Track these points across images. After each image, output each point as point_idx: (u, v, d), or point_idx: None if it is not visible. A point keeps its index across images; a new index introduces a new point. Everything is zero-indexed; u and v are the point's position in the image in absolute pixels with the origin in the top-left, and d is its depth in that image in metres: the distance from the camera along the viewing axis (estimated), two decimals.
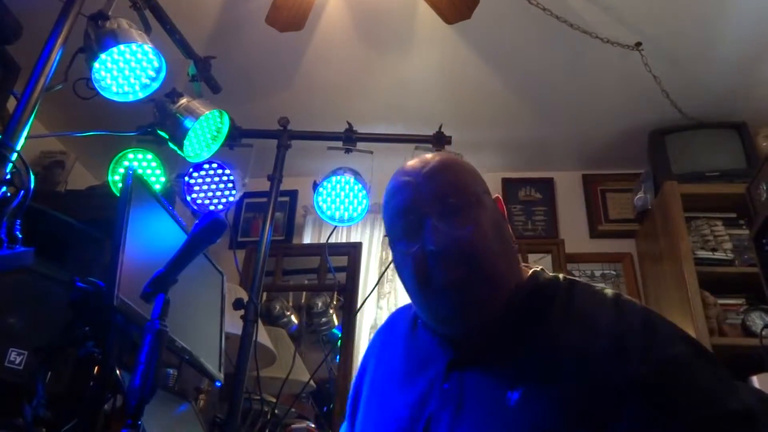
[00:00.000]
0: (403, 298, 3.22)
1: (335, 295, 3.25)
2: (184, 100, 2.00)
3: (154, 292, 1.05)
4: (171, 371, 2.18)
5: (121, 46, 1.75)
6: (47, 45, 1.51)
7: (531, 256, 3.25)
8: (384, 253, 3.37)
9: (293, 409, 2.52)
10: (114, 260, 1.28)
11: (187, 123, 1.96)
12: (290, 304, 3.30)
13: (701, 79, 2.87)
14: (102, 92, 1.78)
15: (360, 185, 2.32)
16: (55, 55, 1.51)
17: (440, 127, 2.34)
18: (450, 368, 0.88)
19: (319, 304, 3.25)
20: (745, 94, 2.94)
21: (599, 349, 0.77)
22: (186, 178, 2.29)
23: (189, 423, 1.98)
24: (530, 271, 0.96)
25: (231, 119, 2.16)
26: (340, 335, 3.12)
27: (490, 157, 3.50)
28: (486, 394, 0.81)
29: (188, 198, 2.28)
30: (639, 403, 0.72)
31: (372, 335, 3.10)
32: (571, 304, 0.87)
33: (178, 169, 2.34)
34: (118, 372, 1.30)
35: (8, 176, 1.28)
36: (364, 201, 2.33)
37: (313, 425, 2.53)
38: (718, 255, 2.74)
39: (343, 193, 2.34)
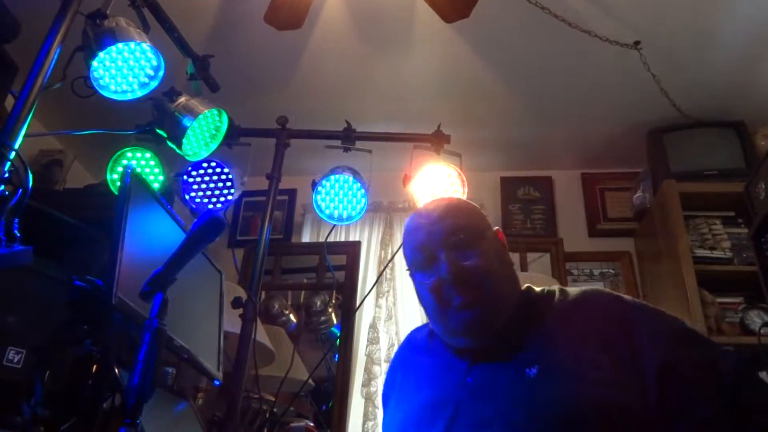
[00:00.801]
0: (401, 298, 3.22)
1: (334, 294, 3.25)
2: (182, 99, 1.99)
3: (153, 290, 1.05)
4: (170, 370, 2.17)
5: (120, 45, 1.75)
6: (45, 43, 1.51)
7: (530, 255, 3.25)
8: (383, 252, 3.37)
9: (292, 408, 2.52)
10: (113, 259, 1.28)
11: (186, 122, 1.96)
12: (289, 302, 3.30)
13: (700, 78, 2.87)
14: (100, 91, 1.78)
15: (359, 184, 2.32)
16: (54, 54, 1.51)
17: (439, 126, 2.34)
18: (470, 368, 1.04)
19: (318, 303, 3.25)
20: (743, 93, 2.94)
21: (593, 329, 0.98)
22: (185, 177, 2.28)
23: (187, 422, 1.98)
24: (524, 287, 1.13)
25: (230, 118, 2.16)
26: (338, 334, 3.13)
27: (489, 155, 3.50)
28: (506, 377, 0.98)
29: (187, 197, 2.27)
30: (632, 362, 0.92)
31: (370, 333, 3.10)
32: (563, 303, 1.06)
33: (177, 167, 2.34)
34: (116, 371, 1.30)
35: (6, 175, 1.28)
36: (363, 200, 2.33)
37: (311, 424, 2.53)
38: (717, 254, 2.74)
39: (341, 192, 2.34)
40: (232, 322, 2.03)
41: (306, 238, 3.52)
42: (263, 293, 3.13)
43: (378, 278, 3.19)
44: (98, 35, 1.73)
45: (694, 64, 2.79)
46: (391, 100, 3.10)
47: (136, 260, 1.36)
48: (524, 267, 3.18)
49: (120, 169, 2.18)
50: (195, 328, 1.72)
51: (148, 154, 2.23)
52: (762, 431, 0.87)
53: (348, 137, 2.34)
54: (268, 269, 3.19)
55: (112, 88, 1.80)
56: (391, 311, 3.19)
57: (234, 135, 2.30)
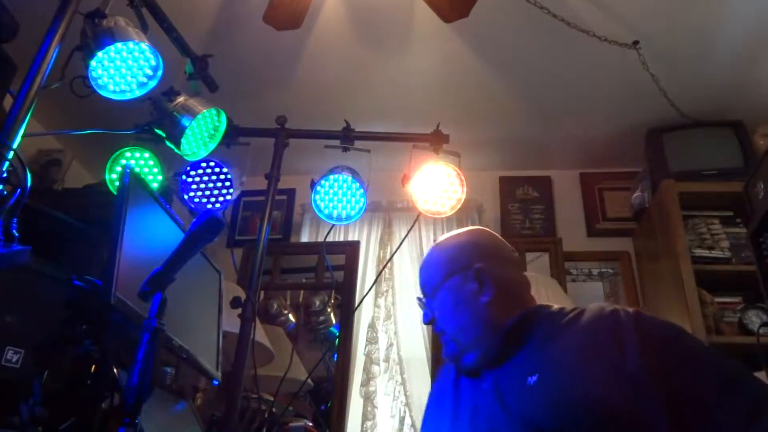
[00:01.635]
0: (400, 297, 3.22)
1: (333, 294, 3.25)
2: (181, 99, 1.99)
3: (152, 290, 1.05)
4: (168, 370, 2.17)
5: (118, 44, 1.74)
6: (44, 43, 1.51)
7: (528, 255, 3.25)
8: (381, 251, 3.37)
9: (291, 408, 2.52)
10: (111, 258, 1.28)
11: (185, 121, 1.96)
12: (288, 302, 3.30)
13: (699, 77, 2.87)
14: (99, 90, 1.77)
15: (357, 183, 2.32)
16: (52, 53, 1.51)
17: (438, 126, 2.34)
18: (486, 376, 1.18)
19: (317, 303, 3.25)
20: (742, 93, 2.95)
21: (588, 339, 1.07)
22: (183, 177, 2.28)
23: (186, 421, 1.98)
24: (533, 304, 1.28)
25: (228, 118, 2.16)
26: (337, 334, 3.13)
27: (488, 155, 3.50)
28: (513, 383, 1.10)
29: (185, 196, 2.27)
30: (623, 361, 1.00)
31: (369, 333, 3.10)
32: (563, 317, 1.16)
33: (176, 167, 2.34)
34: (115, 370, 1.30)
35: (5, 174, 1.28)
36: (362, 199, 2.33)
37: (310, 424, 2.53)
38: (715, 253, 2.75)
39: (340, 192, 2.34)
40: (231, 322, 2.03)
41: (305, 237, 3.52)
42: (262, 293, 3.13)
43: (377, 278, 3.19)
44: (97, 35, 1.72)
45: (692, 63, 2.79)
46: (390, 99, 3.10)
47: (134, 260, 1.36)
48: (523, 267, 3.18)
49: (119, 168, 2.17)
50: (194, 327, 1.72)
51: (146, 154, 2.23)
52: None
53: (347, 137, 2.34)
54: (267, 269, 3.19)
55: (111, 87, 1.80)
56: (390, 311, 3.19)
57: (233, 135, 2.30)
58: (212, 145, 2.16)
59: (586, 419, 0.97)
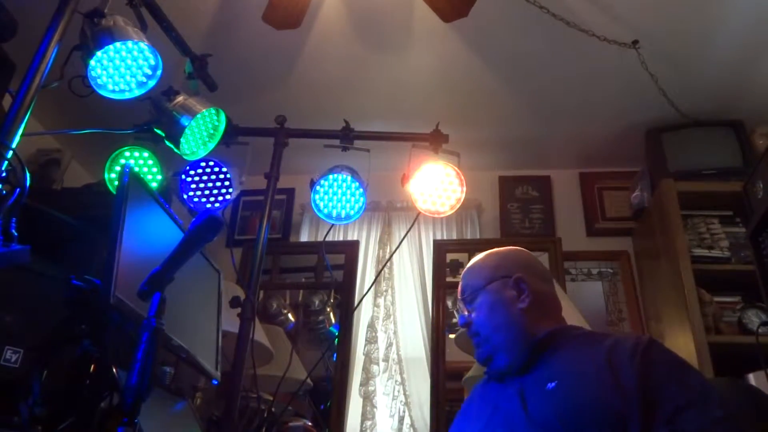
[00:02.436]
0: (400, 297, 3.23)
1: (332, 293, 3.26)
2: (180, 98, 1.99)
3: (151, 290, 1.05)
4: (168, 369, 2.18)
5: (117, 44, 1.74)
6: (43, 42, 1.51)
7: None
8: (381, 251, 3.37)
9: (290, 407, 2.52)
10: (110, 258, 1.28)
11: (184, 121, 1.96)
12: (287, 302, 3.30)
13: (698, 77, 2.87)
14: (98, 90, 1.77)
15: (357, 183, 2.31)
16: (51, 53, 1.51)
17: (437, 125, 2.34)
18: (511, 382, 1.29)
19: (316, 302, 3.25)
20: (741, 93, 2.95)
21: (596, 358, 1.20)
22: (182, 176, 2.28)
23: (186, 421, 1.98)
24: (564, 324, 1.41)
25: (228, 117, 2.16)
26: (337, 333, 3.13)
27: (488, 155, 3.50)
28: (534, 388, 1.22)
29: (185, 196, 2.27)
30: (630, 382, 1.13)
31: (368, 332, 3.10)
32: (586, 339, 1.31)
33: (175, 167, 2.34)
34: (114, 370, 1.30)
35: (4, 174, 1.28)
36: (361, 199, 2.33)
37: (310, 423, 2.53)
38: (715, 253, 2.75)
39: (340, 191, 2.34)
40: (231, 322, 2.03)
41: (304, 237, 3.52)
42: (261, 292, 3.13)
43: (376, 277, 3.19)
44: (96, 34, 1.72)
45: (692, 63, 2.79)
46: (390, 99, 3.10)
47: (134, 259, 1.36)
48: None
49: (118, 168, 2.17)
50: (193, 327, 1.72)
51: (146, 154, 2.23)
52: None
53: (346, 136, 2.34)
54: (267, 268, 3.18)
55: (110, 87, 1.80)
56: (389, 310, 3.19)
57: (232, 134, 2.30)
58: (211, 145, 2.16)
59: (591, 419, 1.10)
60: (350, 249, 3.31)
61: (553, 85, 2.98)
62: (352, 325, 3.11)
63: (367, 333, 3.12)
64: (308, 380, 2.53)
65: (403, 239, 2.73)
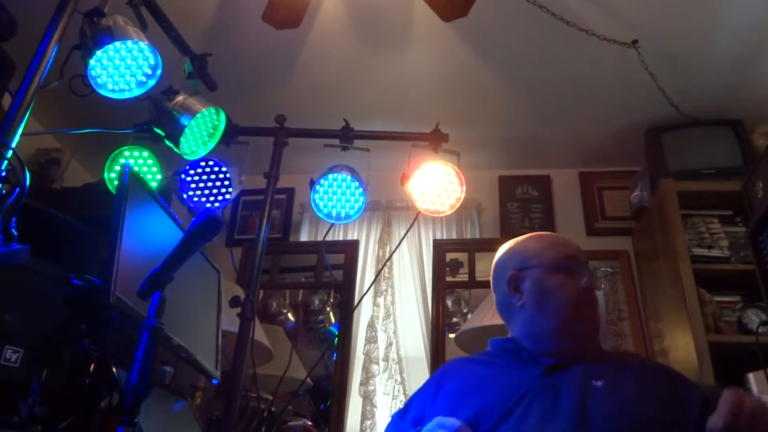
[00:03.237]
0: (399, 296, 3.22)
1: (332, 293, 3.26)
2: (180, 98, 1.99)
3: (151, 289, 1.05)
4: (167, 369, 2.18)
5: (117, 43, 1.74)
6: (43, 42, 1.51)
7: None
8: (381, 250, 3.37)
9: (290, 407, 2.52)
10: (110, 258, 1.28)
11: (184, 120, 1.96)
12: (287, 301, 3.30)
13: (697, 76, 2.87)
14: (98, 89, 1.77)
15: (357, 183, 2.32)
16: (51, 52, 1.51)
17: (437, 125, 2.34)
18: (549, 369, 1.25)
19: (316, 302, 3.25)
20: (741, 92, 2.94)
21: (647, 372, 1.27)
22: (182, 176, 2.28)
23: (185, 421, 1.98)
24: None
25: (227, 116, 2.16)
26: (337, 333, 3.13)
27: (487, 154, 3.50)
28: (576, 383, 1.19)
29: (185, 195, 2.27)
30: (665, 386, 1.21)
31: (368, 332, 3.10)
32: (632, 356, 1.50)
33: (175, 166, 2.34)
34: (114, 369, 1.30)
35: (4, 173, 1.28)
36: (361, 198, 2.33)
37: (309, 423, 2.54)
38: (715, 252, 2.74)
39: (339, 191, 2.34)
40: (230, 321, 2.03)
41: (304, 237, 3.52)
42: (261, 292, 3.13)
43: (376, 277, 3.19)
44: (96, 33, 1.72)
45: (691, 62, 2.79)
46: (389, 98, 3.09)
47: (133, 259, 1.36)
48: None
49: (118, 167, 2.18)
50: (193, 326, 1.72)
51: (145, 153, 2.23)
52: None
53: (346, 136, 2.34)
54: (266, 268, 3.18)
55: (110, 86, 1.80)
56: (389, 310, 3.19)
57: (232, 133, 2.30)
58: (211, 144, 2.16)
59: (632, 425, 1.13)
60: (350, 248, 3.31)
61: (553, 84, 2.97)
62: (352, 325, 3.11)
63: (366, 332, 3.12)
64: (308, 380, 2.53)
65: (402, 239, 2.73)
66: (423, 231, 3.39)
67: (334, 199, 2.34)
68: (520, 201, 3.53)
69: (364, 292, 3.00)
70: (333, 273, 3.19)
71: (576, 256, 1.40)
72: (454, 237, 3.36)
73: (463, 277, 3.23)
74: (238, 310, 1.97)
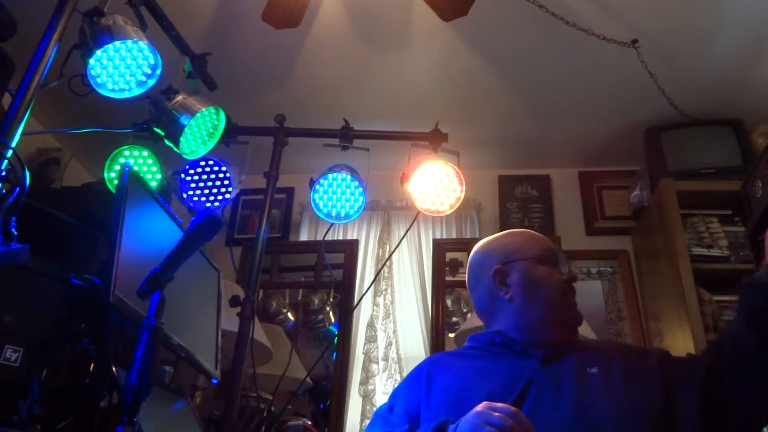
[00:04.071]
0: (399, 296, 3.22)
1: (332, 292, 3.26)
2: (180, 97, 1.99)
3: (151, 289, 1.05)
4: (167, 368, 2.18)
5: (117, 43, 1.74)
6: (42, 41, 1.51)
7: None
8: (380, 250, 3.37)
9: (290, 407, 2.52)
10: (110, 257, 1.29)
11: (183, 120, 1.95)
12: (287, 301, 3.30)
13: (697, 76, 2.87)
14: (98, 89, 1.77)
15: (356, 182, 2.32)
16: (51, 52, 1.51)
17: (437, 124, 2.34)
18: (545, 360, 1.27)
19: (316, 301, 3.25)
20: (740, 92, 2.95)
21: (628, 351, 1.34)
22: (182, 176, 2.28)
23: (185, 420, 1.98)
24: None
25: (227, 116, 2.16)
26: (336, 332, 3.13)
27: (487, 154, 3.50)
28: (573, 371, 1.23)
29: (184, 195, 2.27)
30: (657, 363, 1.25)
31: (367, 331, 3.10)
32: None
33: (174, 166, 2.34)
34: (114, 369, 1.30)
35: (4, 173, 1.28)
36: (361, 198, 2.33)
37: (309, 422, 2.54)
38: (714, 252, 2.75)
39: (339, 191, 2.34)
40: (230, 321, 2.03)
41: (304, 236, 3.52)
42: (261, 291, 3.13)
43: (376, 276, 3.19)
44: (95, 33, 1.72)
45: (691, 62, 2.79)
46: (389, 98, 3.09)
47: (133, 258, 1.36)
48: None
49: (117, 167, 2.17)
50: (193, 326, 1.72)
51: (145, 153, 2.23)
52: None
53: (346, 135, 2.34)
54: (266, 268, 3.19)
55: (110, 86, 1.80)
56: (388, 309, 3.19)
57: (232, 133, 2.30)
58: (211, 144, 2.16)
59: (630, 408, 1.16)
60: (350, 248, 3.31)
61: (553, 84, 2.98)
62: (352, 324, 3.11)
63: (366, 332, 3.12)
64: (308, 379, 2.53)
65: (402, 238, 2.73)
66: (423, 231, 3.39)
67: (334, 198, 2.34)
68: (519, 200, 3.53)
69: (364, 291, 3.00)
70: (333, 272, 3.19)
71: (554, 248, 1.45)
72: (454, 237, 3.37)
73: (462, 276, 3.20)
74: (238, 309, 1.97)
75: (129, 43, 1.77)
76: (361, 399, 2.96)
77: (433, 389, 1.31)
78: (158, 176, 2.24)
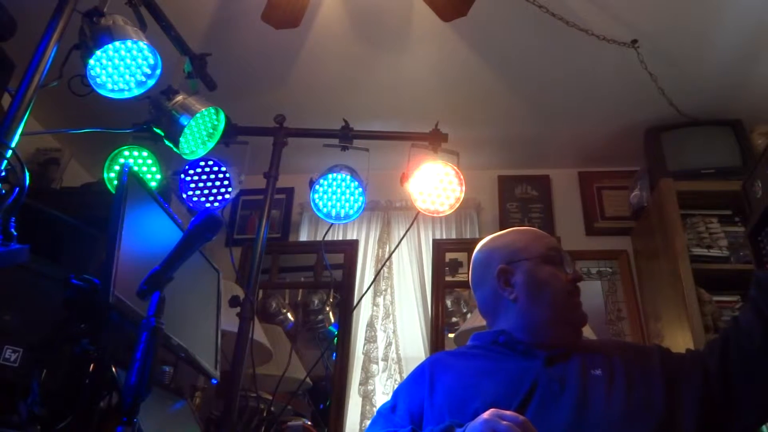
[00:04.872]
0: (399, 296, 3.22)
1: (331, 293, 3.25)
2: (179, 97, 1.99)
3: (150, 289, 1.05)
4: (167, 368, 2.18)
5: (117, 43, 1.74)
6: (42, 42, 1.51)
7: None
8: (380, 250, 3.37)
9: (289, 407, 2.52)
10: (110, 257, 1.28)
11: (183, 120, 1.95)
12: (286, 301, 3.30)
13: (697, 76, 2.87)
14: (97, 89, 1.77)
15: (356, 182, 2.32)
16: (50, 52, 1.51)
17: (436, 125, 2.34)
18: (549, 361, 1.26)
19: (316, 302, 3.25)
20: (740, 92, 2.95)
21: (629, 350, 1.33)
22: (182, 176, 2.28)
23: (185, 420, 1.98)
24: None
25: (227, 116, 2.16)
26: (336, 332, 3.13)
27: (487, 154, 3.50)
28: (578, 372, 1.22)
29: (184, 195, 2.27)
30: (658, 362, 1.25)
31: (367, 332, 3.10)
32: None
33: (174, 166, 2.34)
34: (113, 369, 1.30)
35: (3, 173, 1.28)
36: (361, 198, 2.33)
37: (309, 423, 2.53)
38: (714, 252, 2.75)
39: (339, 191, 2.34)
40: (230, 321, 2.03)
41: (303, 236, 3.52)
42: (261, 292, 3.13)
43: (375, 277, 3.19)
44: (95, 33, 1.72)
45: (691, 62, 2.79)
46: (389, 98, 3.09)
47: (133, 259, 1.36)
48: None
49: (117, 167, 2.17)
50: (192, 326, 1.72)
51: (145, 153, 2.23)
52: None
53: (345, 136, 2.34)
54: (266, 268, 3.19)
55: (109, 86, 1.80)
56: (388, 309, 3.19)
57: (231, 133, 2.30)
58: (211, 144, 2.16)
59: (635, 409, 1.15)
60: (349, 248, 3.31)
61: (552, 84, 2.98)
62: (352, 325, 3.11)
63: (366, 332, 3.12)
64: (307, 379, 2.53)
65: (402, 238, 2.73)
66: (422, 231, 3.39)
67: (334, 198, 2.34)
68: (519, 201, 3.53)
69: (364, 291, 3.00)
70: (332, 273, 3.19)
71: (558, 247, 1.43)
72: (454, 237, 3.37)
73: (462, 277, 3.23)
74: (238, 309, 1.97)
75: (129, 43, 1.77)
76: (360, 399, 2.96)
77: (436, 389, 1.30)
78: (158, 176, 2.24)
